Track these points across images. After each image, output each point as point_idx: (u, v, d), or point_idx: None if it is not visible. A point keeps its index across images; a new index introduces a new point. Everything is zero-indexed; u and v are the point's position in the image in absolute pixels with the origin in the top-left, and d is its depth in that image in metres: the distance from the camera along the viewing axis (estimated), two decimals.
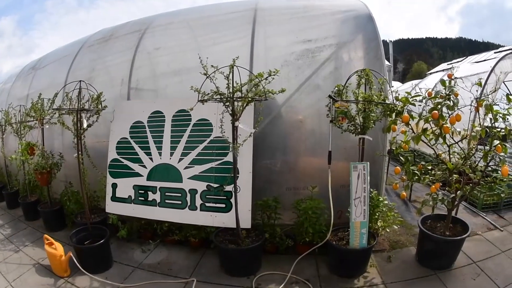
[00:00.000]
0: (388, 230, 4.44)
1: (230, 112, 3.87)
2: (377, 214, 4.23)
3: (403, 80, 35.39)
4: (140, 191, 4.86)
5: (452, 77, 3.81)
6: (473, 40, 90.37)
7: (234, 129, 3.91)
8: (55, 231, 5.57)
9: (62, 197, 5.83)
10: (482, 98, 3.78)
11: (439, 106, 3.70)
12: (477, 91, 3.86)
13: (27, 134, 6.33)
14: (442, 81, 3.85)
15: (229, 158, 4.26)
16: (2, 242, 5.48)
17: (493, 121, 3.64)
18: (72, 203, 5.58)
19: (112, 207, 5.03)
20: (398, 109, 3.93)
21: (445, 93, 3.72)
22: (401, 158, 4.21)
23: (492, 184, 3.99)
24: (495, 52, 8.54)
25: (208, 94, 3.83)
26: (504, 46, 8.48)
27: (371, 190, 4.07)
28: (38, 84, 7.57)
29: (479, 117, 3.85)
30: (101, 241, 4.31)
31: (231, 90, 3.79)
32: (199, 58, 3.76)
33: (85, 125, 4.67)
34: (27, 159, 5.83)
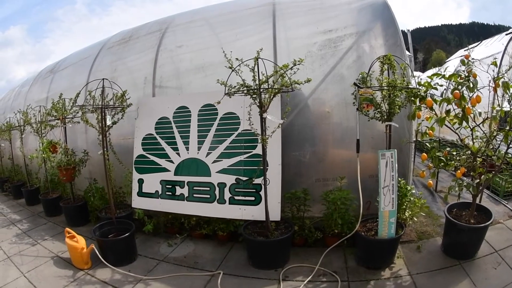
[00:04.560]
0: (415, 220, 4.43)
1: (258, 104, 3.90)
2: (405, 204, 4.21)
3: (423, 70, 35.26)
4: (167, 186, 4.92)
5: (469, 58, 3.84)
6: (485, 24, 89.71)
7: (262, 120, 3.94)
8: (77, 226, 5.62)
9: (86, 193, 5.91)
10: (498, 76, 3.78)
11: (460, 87, 3.72)
12: (493, 71, 3.87)
13: (48, 133, 6.43)
14: (462, 61, 3.89)
15: (258, 150, 4.30)
16: (18, 236, 5.58)
17: (510, 100, 3.65)
18: (96, 199, 5.66)
19: (138, 202, 5.09)
20: (422, 93, 3.93)
21: (464, 74, 3.75)
22: (427, 145, 4.22)
23: None
24: (506, 34, 8.51)
25: (235, 87, 3.87)
26: None
27: (399, 179, 4.07)
28: (57, 86, 7.70)
29: (497, 98, 3.85)
30: (126, 234, 4.33)
31: (257, 82, 3.82)
32: (223, 52, 3.82)
33: (109, 122, 4.73)
34: (49, 156, 5.91)
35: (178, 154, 4.92)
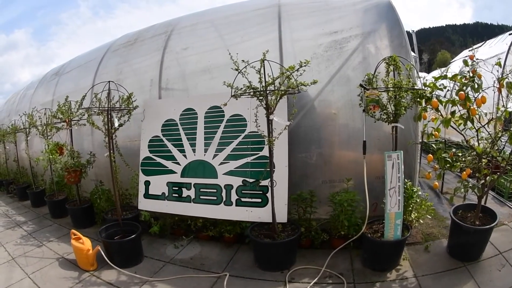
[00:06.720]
0: (421, 222, 4.43)
1: (264, 105, 3.91)
2: (411, 205, 4.22)
3: (429, 71, 35.30)
4: (174, 188, 4.93)
5: (474, 59, 3.83)
6: (489, 24, 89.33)
7: (269, 122, 3.94)
8: (83, 228, 5.64)
9: (92, 195, 5.94)
10: (502, 76, 3.79)
11: (465, 88, 3.71)
12: (497, 71, 3.87)
13: (54, 136, 6.46)
14: (465, 61, 3.88)
15: (265, 152, 4.30)
16: (24, 238, 5.59)
17: None
18: (102, 201, 5.69)
19: (145, 204, 5.11)
20: (427, 94, 3.93)
21: (468, 75, 3.74)
22: (433, 146, 4.23)
23: None
24: (510, 34, 8.52)
25: (241, 89, 3.88)
26: None
27: (405, 181, 4.07)
28: (63, 89, 7.75)
29: (502, 99, 3.85)
30: (132, 236, 4.34)
31: (263, 84, 3.83)
32: (229, 54, 3.82)
33: (116, 124, 4.75)
34: (56, 158, 5.95)
35: (185, 156, 4.93)
